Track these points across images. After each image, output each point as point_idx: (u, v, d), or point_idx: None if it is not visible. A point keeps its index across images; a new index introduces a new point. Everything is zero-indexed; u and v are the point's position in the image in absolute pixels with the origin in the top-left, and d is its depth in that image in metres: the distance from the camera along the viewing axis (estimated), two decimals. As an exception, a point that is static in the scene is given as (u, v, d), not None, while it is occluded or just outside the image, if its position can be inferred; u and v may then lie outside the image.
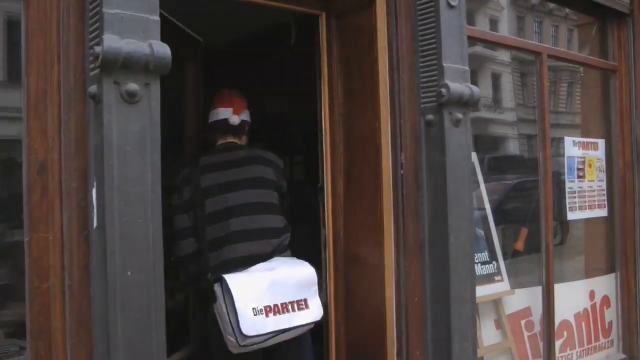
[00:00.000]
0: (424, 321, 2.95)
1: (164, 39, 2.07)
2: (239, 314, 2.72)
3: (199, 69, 3.53)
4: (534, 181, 4.21)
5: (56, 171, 2.12)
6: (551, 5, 5.03)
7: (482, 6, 5.00)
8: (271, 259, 2.97)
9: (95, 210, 2.05)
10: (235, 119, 3.13)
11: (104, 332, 2.00)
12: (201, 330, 3.41)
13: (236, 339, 2.74)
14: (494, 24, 4.88)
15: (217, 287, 2.83)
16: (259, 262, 2.94)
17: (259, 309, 2.77)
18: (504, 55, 5.48)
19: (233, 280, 2.79)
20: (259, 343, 2.80)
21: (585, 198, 4.44)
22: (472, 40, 3.49)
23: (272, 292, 2.82)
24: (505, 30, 5.01)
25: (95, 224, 2.05)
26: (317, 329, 3.16)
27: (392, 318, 2.96)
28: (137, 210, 2.01)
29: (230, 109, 3.14)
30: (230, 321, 2.75)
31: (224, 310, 2.78)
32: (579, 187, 4.40)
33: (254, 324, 2.74)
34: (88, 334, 2.10)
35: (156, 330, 2.04)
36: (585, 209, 4.45)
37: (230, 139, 3.17)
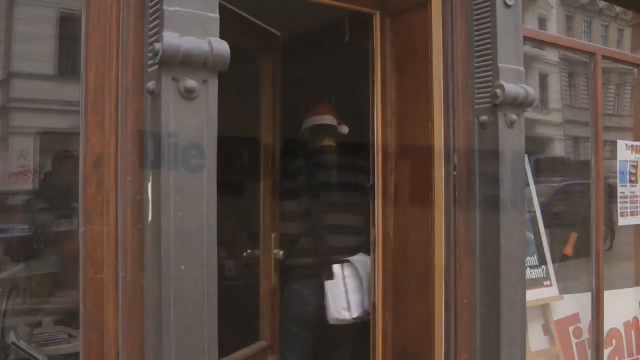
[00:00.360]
0: (472, 324, 2.90)
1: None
2: (363, 293, 3.43)
3: (277, 65, 3.44)
4: (582, 184, 4.13)
5: (112, 164, 2.14)
6: (601, 4, 4.93)
7: (532, 5, 4.92)
8: (359, 253, 3.57)
9: (150, 204, 2.06)
10: (345, 129, 3.82)
11: (156, 325, 2.02)
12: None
13: (350, 314, 3.41)
14: (542, 22, 4.81)
15: (336, 268, 3.48)
16: (350, 254, 3.56)
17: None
18: (551, 55, 5.39)
19: (359, 266, 3.45)
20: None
21: (637, 203, 4.33)
22: (527, 40, 3.42)
23: (367, 283, 3.46)
24: (554, 29, 4.94)
25: (150, 218, 2.06)
26: (365, 328, 3.38)
27: (440, 319, 2.92)
28: (192, 206, 2.02)
29: (336, 121, 3.80)
30: (348, 299, 3.40)
31: (342, 289, 3.43)
32: (631, 192, 4.29)
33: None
34: (140, 326, 2.12)
35: (208, 325, 2.05)
36: (637, 214, 4.33)
37: (331, 142, 3.81)
